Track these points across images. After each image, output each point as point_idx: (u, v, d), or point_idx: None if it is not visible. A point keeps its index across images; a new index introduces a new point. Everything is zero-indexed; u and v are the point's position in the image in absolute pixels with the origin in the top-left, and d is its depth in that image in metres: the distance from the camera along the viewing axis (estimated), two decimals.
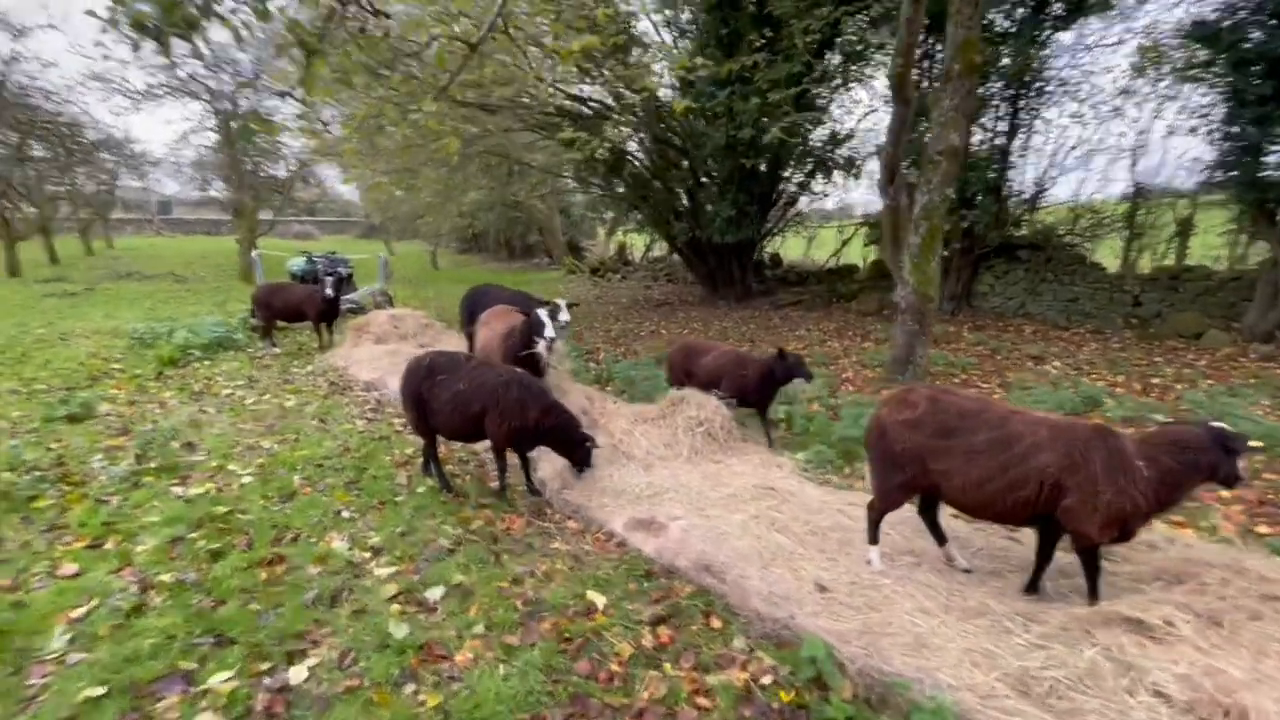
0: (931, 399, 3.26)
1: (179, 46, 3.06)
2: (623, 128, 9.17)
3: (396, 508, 4.58)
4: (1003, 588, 3.42)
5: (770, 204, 15.92)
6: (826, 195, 16.70)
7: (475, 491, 4.94)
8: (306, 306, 10.13)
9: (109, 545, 3.96)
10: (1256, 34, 8.43)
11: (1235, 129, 9.02)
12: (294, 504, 4.61)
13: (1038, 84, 11.91)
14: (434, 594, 3.48)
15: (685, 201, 15.33)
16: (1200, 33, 9.46)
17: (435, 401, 4.58)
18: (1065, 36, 11.91)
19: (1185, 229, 11.27)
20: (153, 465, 5.18)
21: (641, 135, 8.89)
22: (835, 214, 18.25)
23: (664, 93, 13.48)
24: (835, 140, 15.26)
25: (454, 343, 10.39)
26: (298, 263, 13.97)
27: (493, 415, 4.44)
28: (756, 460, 5.39)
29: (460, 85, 7.73)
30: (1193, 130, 9.78)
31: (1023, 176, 12.38)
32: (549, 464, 5.10)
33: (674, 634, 3.21)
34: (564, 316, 6.07)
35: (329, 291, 9.77)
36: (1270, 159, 8.93)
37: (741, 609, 3.37)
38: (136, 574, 3.63)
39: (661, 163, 15.08)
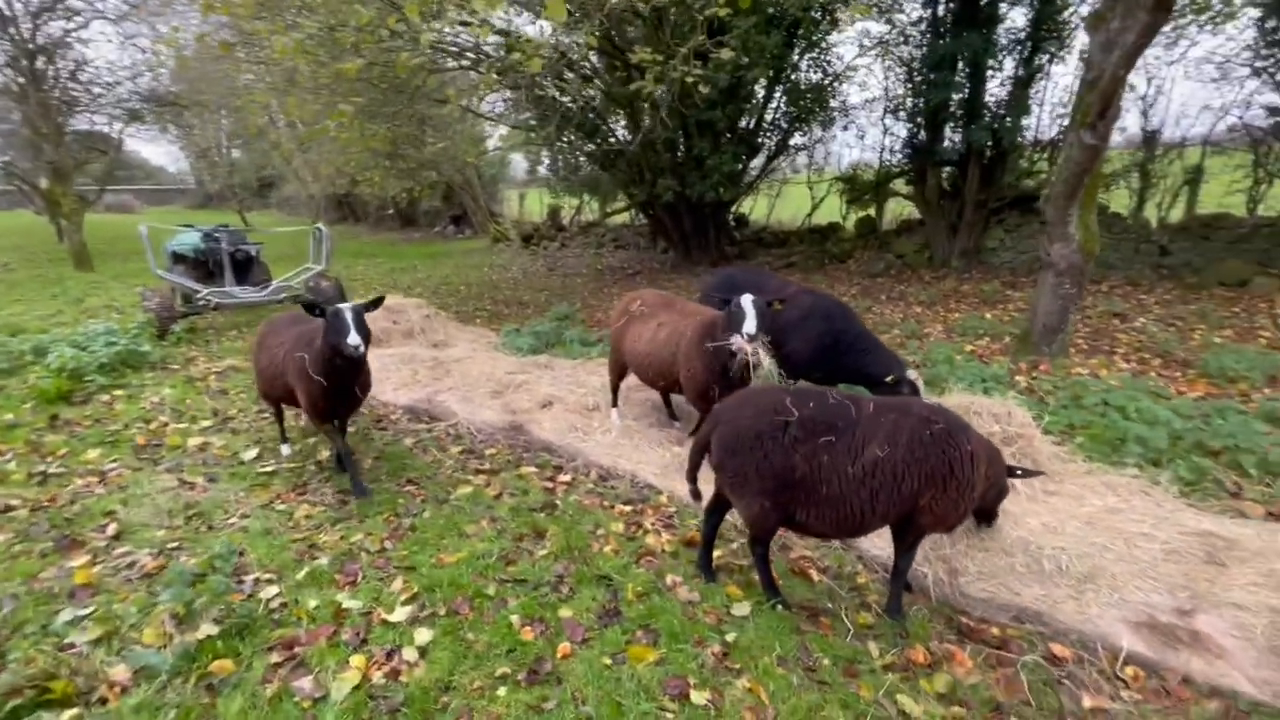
0: None
1: None
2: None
3: (748, 659, 2.61)
4: None
5: (754, 156, 14.47)
6: (806, 148, 15.52)
7: (830, 599, 3.06)
8: (294, 381, 4.12)
9: None
10: None
11: None
12: (571, 685, 2.49)
13: (1056, 28, 11.32)
14: None
15: (666, 156, 13.41)
16: None
17: (830, 482, 2.54)
18: None
19: (1196, 178, 11.33)
20: (213, 628, 2.74)
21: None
22: (801, 169, 17.11)
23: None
24: (821, 86, 14.05)
25: (470, 338, 7.98)
26: (186, 240, 10.10)
27: (944, 494, 2.54)
28: (1099, 484, 3.98)
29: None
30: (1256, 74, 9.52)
31: (1040, 124, 11.89)
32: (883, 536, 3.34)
33: None
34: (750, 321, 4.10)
35: (352, 342, 3.61)
36: None
37: None
38: None
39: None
